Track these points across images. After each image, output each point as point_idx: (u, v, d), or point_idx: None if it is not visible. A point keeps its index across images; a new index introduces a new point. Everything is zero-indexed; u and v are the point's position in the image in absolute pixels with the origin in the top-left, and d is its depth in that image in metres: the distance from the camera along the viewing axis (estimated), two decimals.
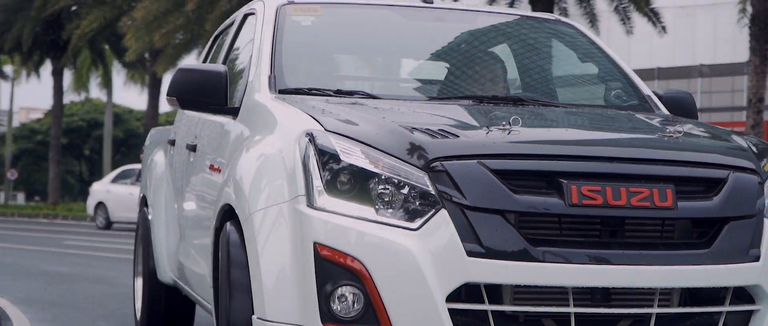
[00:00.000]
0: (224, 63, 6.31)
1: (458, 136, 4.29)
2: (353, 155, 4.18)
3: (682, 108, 5.88)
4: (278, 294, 4.23)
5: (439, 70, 6.10)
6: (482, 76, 5.86)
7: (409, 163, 4.13)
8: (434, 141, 4.20)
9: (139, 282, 7.74)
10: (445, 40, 6.26)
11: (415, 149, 4.16)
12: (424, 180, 4.09)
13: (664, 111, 5.79)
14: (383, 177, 4.13)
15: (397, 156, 4.16)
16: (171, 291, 7.20)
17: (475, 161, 4.10)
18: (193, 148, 6.35)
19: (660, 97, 5.93)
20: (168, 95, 5.47)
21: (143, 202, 7.72)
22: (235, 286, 4.52)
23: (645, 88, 5.94)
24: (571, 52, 6.36)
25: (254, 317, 4.35)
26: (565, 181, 4.09)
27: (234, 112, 5.42)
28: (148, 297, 7.43)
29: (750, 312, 4.32)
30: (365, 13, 6.29)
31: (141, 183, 8.04)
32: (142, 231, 7.57)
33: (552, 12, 26.44)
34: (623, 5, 29.73)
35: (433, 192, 4.07)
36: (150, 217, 7.37)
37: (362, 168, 4.15)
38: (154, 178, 7.44)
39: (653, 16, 29.51)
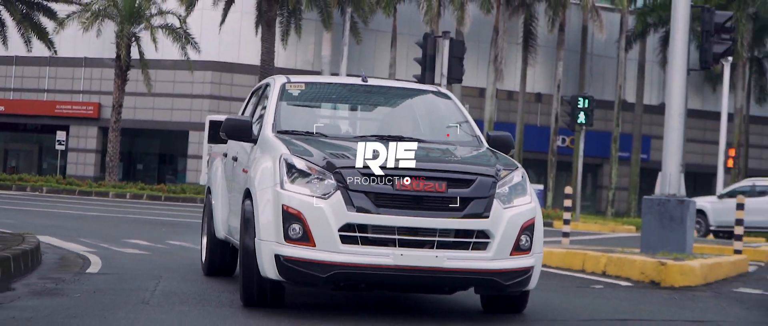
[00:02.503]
0: (253, 113, 11.10)
1: (350, 158, 8.90)
2: (301, 166, 8.90)
3: (500, 143, 10.36)
4: (267, 227, 8.88)
5: (365, 120, 11.23)
6: (387, 124, 10.77)
7: (326, 170, 8.80)
8: (337, 160, 8.87)
9: (204, 240, 12.21)
10: (372, 103, 11.27)
11: (329, 164, 8.84)
12: (331, 178, 8.77)
13: (484, 144, 10.26)
14: (314, 176, 8.82)
15: (321, 167, 8.85)
16: (223, 244, 11.71)
17: (355, 169, 8.81)
18: (235, 159, 10.92)
19: (488, 137, 10.42)
20: (221, 132, 10.32)
21: (208, 191, 12.25)
22: (248, 227, 9.21)
23: (477, 131, 10.51)
24: (446, 109, 10.91)
25: (256, 239, 9.00)
26: (396, 179, 8.77)
27: (255, 141, 10.12)
28: (210, 248, 11.94)
29: (487, 242, 8.99)
30: (329, 87, 11.65)
31: (207, 179, 12.51)
32: (207, 208, 12.12)
33: None
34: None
35: (334, 183, 8.75)
36: (213, 201, 11.80)
37: (305, 171, 8.88)
38: (216, 177, 11.90)
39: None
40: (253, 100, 11.50)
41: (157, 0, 43.70)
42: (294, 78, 11.06)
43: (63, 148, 48.74)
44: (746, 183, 37.87)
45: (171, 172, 55.88)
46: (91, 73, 53.50)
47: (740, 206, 19.67)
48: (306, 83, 11.08)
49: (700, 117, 58.97)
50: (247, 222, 9.38)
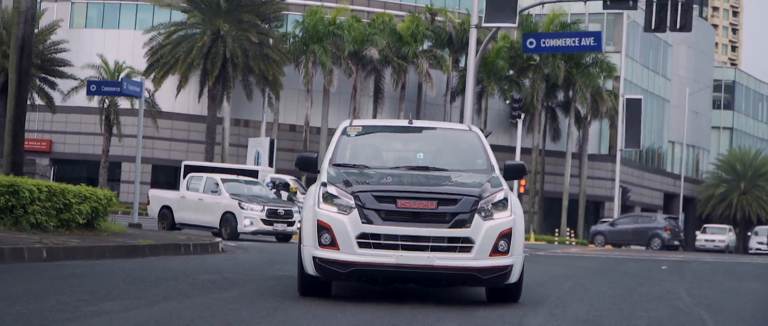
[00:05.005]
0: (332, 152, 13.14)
1: (369, 184, 11.91)
2: (332, 190, 11.85)
3: (514, 170, 13.08)
4: (307, 236, 11.92)
5: (405, 152, 13.78)
6: (419, 156, 13.46)
7: (349, 194, 11.69)
8: (357, 185, 11.80)
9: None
10: (414, 140, 14.02)
11: (351, 189, 11.74)
12: (351, 199, 11.66)
13: (495, 171, 12.89)
14: (342, 199, 11.74)
15: (347, 191, 11.76)
16: None
17: (368, 192, 11.71)
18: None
19: (506, 165, 13.11)
20: (295, 165, 13.28)
21: None
22: (300, 237, 12.21)
23: (491, 161, 13.11)
24: (470, 143, 13.65)
25: (301, 245, 12.11)
26: (398, 198, 11.61)
27: (318, 172, 12.85)
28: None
29: (470, 247, 11.60)
30: (381, 128, 14.57)
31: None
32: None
33: None
34: None
35: (353, 204, 11.63)
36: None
37: (334, 195, 11.80)
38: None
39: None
40: (333, 140, 13.76)
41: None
42: (355, 121, 13.75)
43: None
44: None
45: None
46: (44, 116, 70.33)
47: None
48: (363, 126, 13.71)
49: (508, 151, 76.74)
50: (301, 233, 12.02)
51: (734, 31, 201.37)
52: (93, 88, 29.98)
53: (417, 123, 14.22)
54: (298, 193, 45.38)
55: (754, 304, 15.15)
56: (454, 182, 12.35)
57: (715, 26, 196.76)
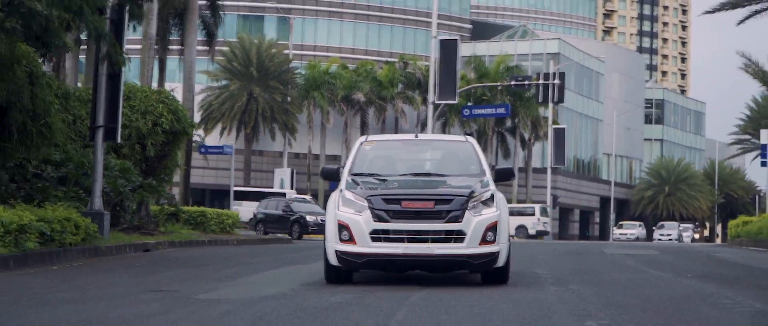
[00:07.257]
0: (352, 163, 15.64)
1: (377, 188, 14.87)
2: (349, 196, 14.86)
3: (504, 173, 15.78)
4: (330, 234, 15.00)
5: (412, 161, 16.44)
6: (423, 164, 16.50)
7: (363, 198, 14.63)
8: (369, 190, 14.75)
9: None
10: (418, 151, 16.86)
11: (364, 194, 14.68)
12: (365, 202, 14.57)
13: (486, 175, 15.21)
14: (357, 202, 14.69)
15: (361, 196, 14.68)
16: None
17: (378, 195, 14.66)
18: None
19: (496, 170, 15.67)
20: (320, 175, 17.27)
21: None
22: (325, 235, 15.25)
23: (483, 166, 15.39)
24: (465, 152, 15.90)
25: (325, 241, 15.13)
26: (402, 200, 14.54)
27: (339, 181, 15.41)
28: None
29: (463, 238, 14.37)
30: (392, 142, 17.78)
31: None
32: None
33: None
34: None
35: (366, 206, 14.52)
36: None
37: (351, 199, 14.80)
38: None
39: None
40: (351, 154, 16.36)
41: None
42: (370, 137, 16.60)
43: None
44: None
45: None
46: None
47: None
48: (377, 141, 16.48)
49: None
50: (325, 231, 14.73)
51: (684, 43, 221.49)
52: (203, 149, 51.34)
53: (421, 137, 17.17)
54: None
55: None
56: (449, 185, 14.82)
57: (666, 40, 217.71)
